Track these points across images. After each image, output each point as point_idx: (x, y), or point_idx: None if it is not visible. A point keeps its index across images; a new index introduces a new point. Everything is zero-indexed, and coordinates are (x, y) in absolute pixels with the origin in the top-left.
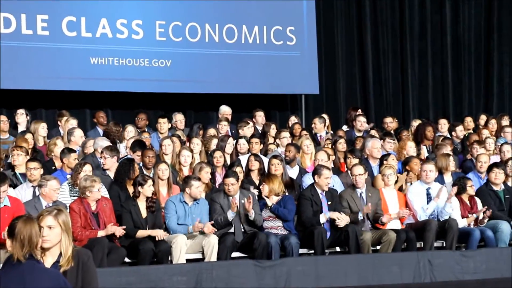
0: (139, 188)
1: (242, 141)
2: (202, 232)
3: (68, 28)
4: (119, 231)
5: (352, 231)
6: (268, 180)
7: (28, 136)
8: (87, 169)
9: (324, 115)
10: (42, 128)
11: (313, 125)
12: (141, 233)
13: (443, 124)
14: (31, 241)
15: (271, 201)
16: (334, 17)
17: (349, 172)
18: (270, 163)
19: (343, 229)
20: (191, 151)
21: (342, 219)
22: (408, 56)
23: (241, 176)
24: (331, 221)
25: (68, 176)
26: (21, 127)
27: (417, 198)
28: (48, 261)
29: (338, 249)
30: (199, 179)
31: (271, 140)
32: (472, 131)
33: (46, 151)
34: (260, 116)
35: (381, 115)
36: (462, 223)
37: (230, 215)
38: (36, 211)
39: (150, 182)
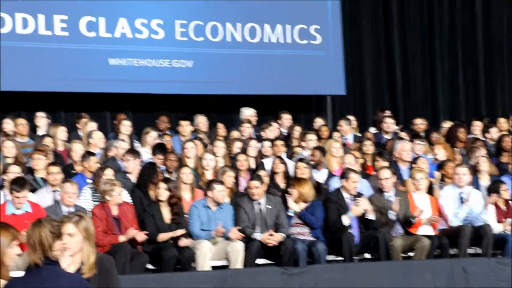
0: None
1: (266, 144)
2: (227, 238)
3: (87, 28)
4: (140, 236)
5: (382, 237)
6: (298, 184)
7: (48, 140)
8: (109, 173)
9: (350, 117)
10: (61, 132)
11: (339, 127)
12: (162, 236)
13: (476, 126)
14: (42, 244)
15: (299, 207)
16: (360, 15)
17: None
18: (296, 166)
19: (373, 236)
20: (214, 154)
21: (361, 203)
22: (437, 55)
23: (266, 179)
24: (361, 221)
25: (88, 180)
26: (41, 131)
27: (449, 202)
28: (71, 268)
29: (367, 255)
30: (222, 183)
31: (295, 142)
32: (507, 133)
33: (67, 155)
34: (286, 118)
35: (410, 116)
36: (497, 228)
37: (257, 236)
38: (57, 216)
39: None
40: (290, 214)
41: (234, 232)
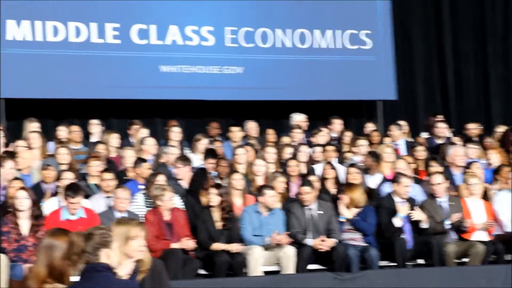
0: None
1: (317, 149)
2: (278, 244)
3: (138, 36)
4: (190, 244)
5: (435, 242)
6: (349, 190)
7: (101, 146)
8: (161, 179)
9: (402, 122)
10: (114, 139)
11: (389, 133)
12: (216, 247)
13: None
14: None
15: (351, 213)
16: (410, 19)
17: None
18: (348, 172)
19: (426, 241)
20: (265, 160)
21: (415, 213)
22: (490, 57)
23: (317, 185)
24: (412, 226)
25: (141, 187)
26: (94, 137)
27: (505, 208)
28: (125, 270)
29: (421, 261)
30: (273, 188)
31: (346, 148)
32: None
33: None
34: (338, 123)
35: (463, 121)
36: None
37: (308, 241)
38: (110, 222)
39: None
40: (341, 220)
41: (284, 238)
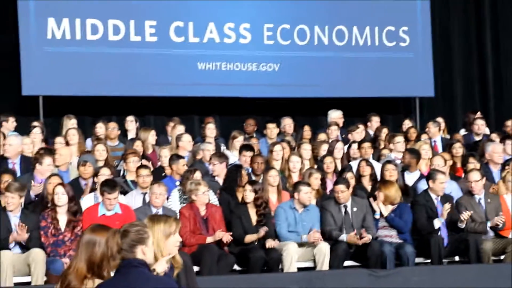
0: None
1: (353, 146)
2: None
3: (176, 33)
4: (226, 237)
5: (472, 239)
6: (384, 187)
7: (138, 143)
8: (197, 176)
9: (439, 119)
10: (151, 136)
11: (427, 130)
12: (249, 237)
13: None
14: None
15: (386, 210)
16: (450, 16)
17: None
18: (384, 168)
19: (463, 238)
20: (300, 156)
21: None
22: None
23: (352, 182)
24: (449, 227)
25: (177, 183)
26: (131, 134)
27: None
28: (163, 267)
29: (457, 258)
30: (309, 184)
31: (382, 144)
32: None
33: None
34: (375, 120)
35: (502, 118)
36: None
37: (343, 237)
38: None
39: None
40: (376, 217)
41: (315, 235)
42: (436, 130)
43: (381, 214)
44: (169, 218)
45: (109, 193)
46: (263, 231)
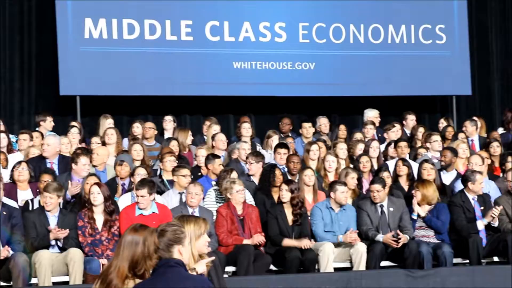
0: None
1: (390, 145)
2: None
3: (211, 32)
4: (260, 238)
5: (511, 240)
6: (422, 186)
7: (174, 143)
8: (234, 175)
9: (476, 118)
10: (187, 136)
11: (464, 128)
12: (287, 243)
13: None
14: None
15: (423, 210)
16: (487, 14)
17: (505, 176)
18: (422, 167)
19: (501, 238)
20: (336, 156)
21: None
22: None
23: (388, 181)
24: (487, 227)
25: (213, 183)
26: (168, 134)
27: None
28: (202, 267)
29: (495, 259)
30: (345, 184)
31: (419, 143)
32: None
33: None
34: (411, 119)
35: None
36: None
37: (379, 237)
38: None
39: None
40: (414, 217)
41: (351, 236)
42: (474, 129)
43: (418, 215)
44: (198, 219)
45: (137, 190)
46: (306, 243)
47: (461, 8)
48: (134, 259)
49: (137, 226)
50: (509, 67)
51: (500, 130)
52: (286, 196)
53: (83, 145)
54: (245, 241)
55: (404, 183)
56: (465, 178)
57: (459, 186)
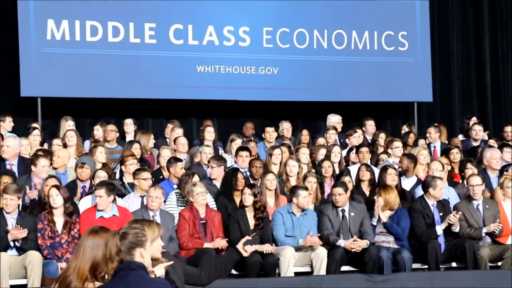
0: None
1: (351, 151)
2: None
3: (175, 36)
4: (222, 243)
5: (469, 246)
6: (384, 192)
7: (136, 146)
8: (196, 179)
9: (440, 124)
10: (149, 139)
11: (428, 135)
12: (248, 249)
13: None
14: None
15: (385, 216)
16: (449, 20)
17: (465, 182)
18: (386, 173)
19: (459, 244)
20: (298, 160)
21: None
22: None
23: (350, 186)
24: (445, 232)
25: (175, 186)
26: (129, 137)
27: None
28: (162, 271)
29: (454, 264)
30: (307, 188)
31: (380, 149)
32: None
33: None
34: (370, 125)
35: (500, 123)
36: None
37: (340, 242)
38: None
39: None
40: (373, 223)
41: (315, 239)
42: (437, 136)
43: (378, 220)
44: (151, 223)
45: (96, 190)
46: (267, 247)
47: (423, 15)
48: (95, 262)
49: (97, 228)
50: (470, 74)
51: (461, 137)
52: (248, 200)
53: (44, 146)
54: (206, 245)
55: (366, 188)
56: (426, 184)
57: (419, 192)
